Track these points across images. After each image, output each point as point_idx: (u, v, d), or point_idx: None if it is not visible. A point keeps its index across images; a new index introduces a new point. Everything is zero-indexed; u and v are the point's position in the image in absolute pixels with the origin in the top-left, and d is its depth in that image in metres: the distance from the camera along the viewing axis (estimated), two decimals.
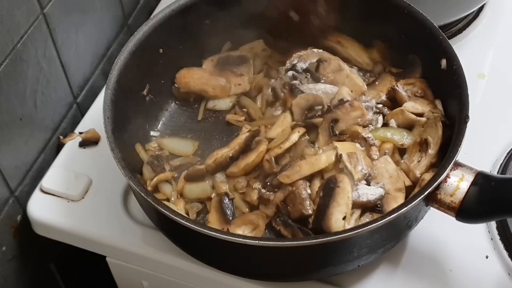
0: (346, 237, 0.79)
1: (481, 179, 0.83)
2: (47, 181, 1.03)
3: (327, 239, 0.79)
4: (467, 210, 0.83)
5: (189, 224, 0.80)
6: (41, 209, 1.01)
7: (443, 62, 0.95)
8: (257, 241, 0.80)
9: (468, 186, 0.83)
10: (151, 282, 1.08)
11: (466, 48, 1.21)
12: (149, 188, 0.94)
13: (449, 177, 0.84)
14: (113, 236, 0.98)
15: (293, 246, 0.80)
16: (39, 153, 1.07)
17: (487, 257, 0.95)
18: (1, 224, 1.01)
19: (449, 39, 1.22)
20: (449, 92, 0.93)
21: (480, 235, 0.97)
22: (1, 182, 0.99)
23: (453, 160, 0.83)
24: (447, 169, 0.82)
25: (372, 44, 1.08)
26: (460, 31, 1.24)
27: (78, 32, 1.10)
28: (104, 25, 1.18)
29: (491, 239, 0.96)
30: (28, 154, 1.05)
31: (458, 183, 0.83)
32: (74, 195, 1.02)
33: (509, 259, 0.94)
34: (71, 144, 1.09)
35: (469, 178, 0.83)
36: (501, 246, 0.95)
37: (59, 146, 1.10)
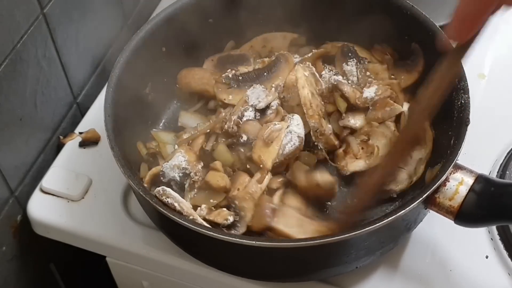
0: (343, 239, 0.79)
1: (480, 183, 0.83)
2: (47, 181, 1.03)
3: (324, 240, 0.79)
4: (466, 215, 0.83)
5: (188, 224, 0.80)
6: (41, 209, 1.01)
7: None
8: (253, 242, 0.80)
9: (467, 191, 0.82)
10: (151, 282, 1.08)
11: None
12: (145, 185, 0.94)
13: (448, 181, 0.83)
14: (113, 236, 0.98)
15: (289, 247, 0.80)
16: (39, 153, 1.07)
17: (487, 257, 0.95)
18: (1, 224, 1.01)
19: None
20: (448, 95, 0.92)
21: (480, 235, 0.97)
22: (1, 182, 0.99)
23: (453, 163, 0.83)
24: (446, 172, 0.82)
25: (374, 47, 1.08)
26: None
27: (78, 32, 1.10)
28: (104, 25, 1.18)
29: (491, 239, 0.96)
30: (28, 154, 1.05)
31: (457, 187, 0.83)
32: (74, 195, 1.02)
33: (509, 259, 0.94)
34: (71, 144, 1.09)
35: (468, 182, 0.83)
36: (501, 246, 0.95)
37: (59, 146, 1.10)
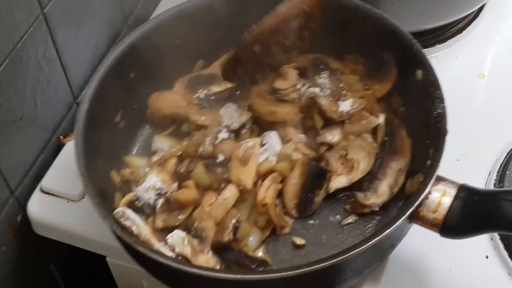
0: (329, 265, 0.77)
1: (463, 192, 0.82)
2: (47, 181, 1.03)
3: (311, 268, 0.76)
4: (451, 226, 0.82)
5: (175, 265, 0.78)
6: (41, 209, 1.01)
7: (419, 73, 0.94)
8: (239, 276, 0.77)
9: (450, 202, 0.81)
10: (151, 282, 1.08)
11: (466, 48, 1.21)
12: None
13: (431, 193, 0.82)
14: (113, 236, 0.98)
15: (276, 278, 0.77)
16: (39, 153, 1.07)
17: (487, 257, 0.95)
18: (1, 224, 1.01)
19: (449, 39, 1.22)
20: (424, 104, 0.91)
21: (480, 235, 0.97)
22: (1, 182, 0.99)
23: (434, 176, 0.81)
24: (428, 186, 0.81)
25: (346, 57, 1.06)
26: (460, 31, 1.24)
27: (78, 32, 1.10)
28: (104, 25, 1.18)
29: (491, 239, 0.96)
30: (28, 154, 1.05)
31: (440, 199, 0.82)
32: (74, 195, 1.02)
33: (509, 259, 0.94)
34: (71, 144, 1.08)
35: (451, 193, 0.82)
36: (501, 246, 0.95)
37: (59, 146, 1.10)
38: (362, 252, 0.77)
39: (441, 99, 0.89)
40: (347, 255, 0.77)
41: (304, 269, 0.76)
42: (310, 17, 0.97)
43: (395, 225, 0.78)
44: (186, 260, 0.86)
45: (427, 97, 0.90)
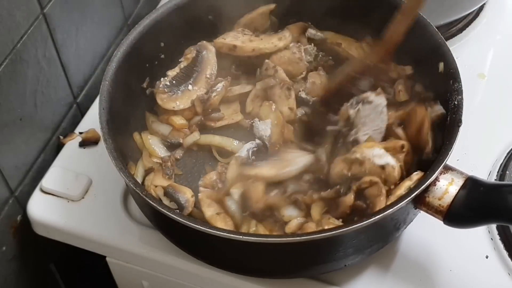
0: (329, 236, 0.79)
1: (470, 184, 0.83)
2: (47, 181, 1.03)
3: (311, 237, 0.79)
4: (455, 215, 0.83)
5: (173, 216, 0.81)
6: (41, 209, 1.01)
7: (441, 66, 0.95)
8: (241, 236, 0.80)
9: (456, 191, 0.82)
10: (151, 282, 1.08)
11: (466, 48, 1.21)
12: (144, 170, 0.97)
13: (438, 181, 0.83)
14: (113, 236, 0.98)
15: (274, 243, 0.80)
16: (39, 153, 1.07)
17: (487, 257, 0.95)
18: (1, 224, 1.01)
19: (449, 39, 1.22)
20: (443, 95, 0.92)
21: (480, 235, 0.97)
22: (1, 182, 0.99)
23: (443, 164, 0.82)
24: (436, 172, 0.82)
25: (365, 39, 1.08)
26: (460, 31, 1.24)
27: (78, 32, 1.10)
28: (104, 25, 1.18)
29: (491, 239, 0.96)
30: (28, 154, 1.05)
31: (447, 187, 0.83)
32: (74, 195, 1.02)
33: (509, 259, 0.94)
34: (71, 144, 1.09)
35: (458, 183, 0.83)
36: (501, 246, 0.95)
37: (59, 146, 1.10)
38: (361, 229, 0.79)
39: (459, 92, 0.90)
40: (344, 229, 0.79)
41: (304, 237, 0.79)
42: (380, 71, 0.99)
43: (397, 206, 0.79)
44: None
45: (447, 89, 0.91)
